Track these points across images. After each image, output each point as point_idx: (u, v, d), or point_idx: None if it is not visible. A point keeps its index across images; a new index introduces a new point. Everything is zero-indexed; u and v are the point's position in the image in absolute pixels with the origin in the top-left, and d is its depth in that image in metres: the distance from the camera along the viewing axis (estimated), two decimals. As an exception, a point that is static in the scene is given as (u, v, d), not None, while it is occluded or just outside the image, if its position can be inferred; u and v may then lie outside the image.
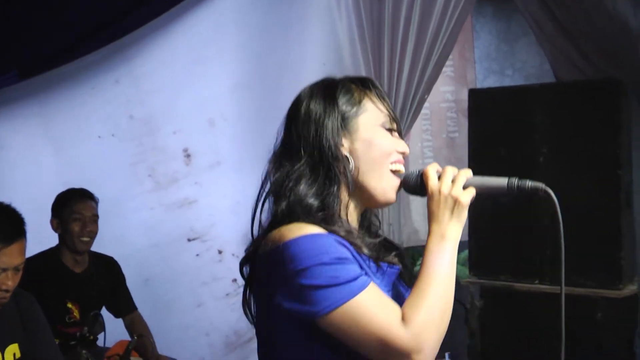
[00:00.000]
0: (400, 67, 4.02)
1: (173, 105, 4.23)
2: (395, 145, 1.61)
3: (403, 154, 1.62)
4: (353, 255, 1.49)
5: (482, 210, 4.05)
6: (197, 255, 4.30)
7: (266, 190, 1.61)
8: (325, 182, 1.55)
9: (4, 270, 2.54)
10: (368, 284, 1.44)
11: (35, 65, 3.89)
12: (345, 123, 1.59)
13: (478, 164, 4.09)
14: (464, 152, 4.17)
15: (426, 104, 3.98)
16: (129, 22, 3.95)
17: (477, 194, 1.56)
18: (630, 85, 3.90)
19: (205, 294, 4.30)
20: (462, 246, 1.76)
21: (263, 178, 1.63)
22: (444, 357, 4.47)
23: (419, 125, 5.58)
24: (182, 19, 4.08)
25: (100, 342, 3.59)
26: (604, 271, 3.72)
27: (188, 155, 4.26)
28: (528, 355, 3.91)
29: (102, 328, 3.55)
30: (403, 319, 1.41)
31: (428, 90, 4.07)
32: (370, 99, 1.62)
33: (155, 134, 4.21)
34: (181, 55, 4.16)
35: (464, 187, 1.54)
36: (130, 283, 3.89)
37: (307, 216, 1.51)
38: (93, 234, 3.64)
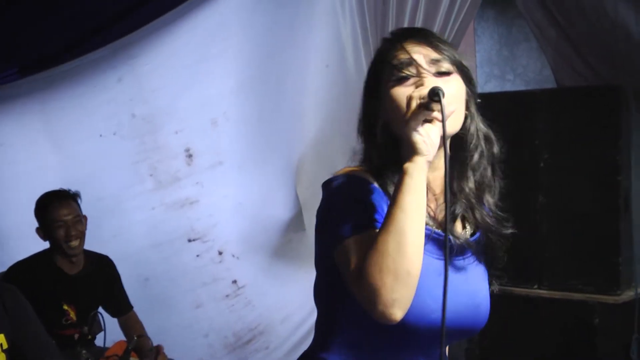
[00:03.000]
0: (403, 70, 4.03)
1: (175, 104, 4.23)
2: (406, 94, 1.45)
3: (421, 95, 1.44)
4: (381, 205, 1.47)
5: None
6: (198, 255, 4.30)
7: None
8: (370, 153, 1.55)
9: None
10: (368, 229, 1.42)
11: (37, 63, 3.88)
12: (377, 93, 1.53)
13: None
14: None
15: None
16: (133, 20, 3.94)
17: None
18: (630, 91, 3.92)
19: (205, 294, 4.30)
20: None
21: None
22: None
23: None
24: (186, 18, 4.08)
25: (99, 342, 3.59)
26: (602, 277, 3.73)
27: (190, 155, 4.26)
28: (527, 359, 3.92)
29: (101, 328, 3.55)
30: (357, 267, 1.38)
31: (430, 93, 4.08)
32: (391, 53, 1.52)
33: (157, 133, 4.20)
34: (184, 54, 4.15)
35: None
36: (130, 282, 3.88)
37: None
38: (80, 235, 3.58)
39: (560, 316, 3.80)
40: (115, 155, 4.17)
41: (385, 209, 1.44)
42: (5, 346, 2.69)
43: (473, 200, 1.57)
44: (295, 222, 4.42)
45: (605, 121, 3.76)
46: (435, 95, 1.38)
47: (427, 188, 1.45)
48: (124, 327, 3.80)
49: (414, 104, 1.39)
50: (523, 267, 3.91)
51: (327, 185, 1.54)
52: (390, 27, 3.98)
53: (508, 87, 5.84)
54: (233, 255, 4.30)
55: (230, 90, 4.26)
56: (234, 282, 4.26)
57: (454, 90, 1.48)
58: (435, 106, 1.38)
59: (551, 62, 4.64)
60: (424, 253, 1.42)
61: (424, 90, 1.40)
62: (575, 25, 4.24)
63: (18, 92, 3.94)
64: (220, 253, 4.32)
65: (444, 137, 1.41)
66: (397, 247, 1.35)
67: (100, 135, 4.16)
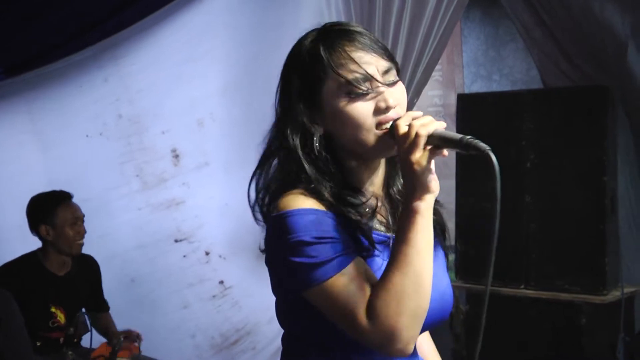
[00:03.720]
0: (389, 71, 4.03)
1: (162, 105, 4.22)
2: (369, 110, 1.42)
3: (387, 109, 1.42)
4: (339, 230, 1.41)
5: (468, 214, 4.07)
6: (184, 256, 4.29)
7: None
8: (305, 166, 1.46)
9: None
10: (346, 264, 1.37)
11: (23, 63, 3.87)
12: (310, 100, 1.46)
13: (464, 169, 4.12)
14: (450, 157, 4.18)
15: (414, 108, 3.98)
16: (119, 20, 3.94)
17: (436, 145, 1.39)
18: (616, 91, 3.94)
19: (192, 295, 4.28)
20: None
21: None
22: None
23: (407, 128, 5.59)
24: (172, 18, 4.07)
25: (85, 343, 3.57)
26: (588, 277, 3.75)
27: (176, 156, 4.25)
28: (513, 359, 3.93)
29: (87, 329, 3.53)
30: (368, 309, 1.34)
31: (417, 94, 4.08)
32: (335, 63, 1.43)
33: (144, 133, 4.19)
34: (171, 54, 4.14)
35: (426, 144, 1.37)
36: (116, 283, 3.87)
37: (300, 186, 1.45)
38: (83, 236, 3.60)
39: (547, 316, 3.82)
40: (101, 156, 4.17)
41: (339, 228, 1.40)
42: None
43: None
44: (282, 223, 4.42)
45: (591, 121, 3.78)
46: (477, 149, 1.34)
47: (373, 194, 1.49)
48: (100, 324, 3.76)
49: (421, 142, 1.36)
50: (510, 267, 3.93)
51: (281, 222, 1.41)
52: (377, 27, 3.98)
53: (494, 87, 5.86)
54: (220, 256, 4.28)
55: (216, 90, 4.25)
56: (221, 282, 4.25)
57: (401, 96, 1.47)
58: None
59: (537, 62, 4.66)
60: (382, 260, 1.44)
61: (431, 127, 1.36)
62: (561, 25, 4.26)
63: (4, 92, 3.93)
64: (207, 254, 4.31)
65: (497, 207, 1.33)
66: (415, 288, 1.35)
67: (87, 136, 4.15)
